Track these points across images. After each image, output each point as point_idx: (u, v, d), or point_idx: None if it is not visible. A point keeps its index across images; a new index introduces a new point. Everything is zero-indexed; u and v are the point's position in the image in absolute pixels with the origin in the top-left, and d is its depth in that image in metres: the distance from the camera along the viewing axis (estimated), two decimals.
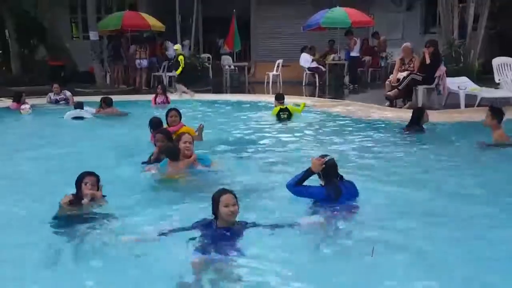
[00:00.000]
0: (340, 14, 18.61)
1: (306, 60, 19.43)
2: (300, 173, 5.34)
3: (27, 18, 20.64)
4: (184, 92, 15.95)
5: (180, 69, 16.30)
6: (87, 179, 5.21)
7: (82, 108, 12.19)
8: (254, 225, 4.65)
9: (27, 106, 12.90)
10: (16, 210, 5.48)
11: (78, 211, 5.05)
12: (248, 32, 24.20)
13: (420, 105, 12.13)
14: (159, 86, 14.12)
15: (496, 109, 8.34)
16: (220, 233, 4.43)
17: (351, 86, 18.38)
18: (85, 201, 5.10)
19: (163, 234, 4.53)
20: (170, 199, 5.72)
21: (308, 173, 5.28)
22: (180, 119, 8.55)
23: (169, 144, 6.52)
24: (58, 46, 21.58)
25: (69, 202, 5.12)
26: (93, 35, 18.99)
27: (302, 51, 19.80)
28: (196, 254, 4.18)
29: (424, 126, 9.46)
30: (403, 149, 8.39)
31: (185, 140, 6.43)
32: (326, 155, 5.39)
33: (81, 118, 11.76)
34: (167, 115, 8.48)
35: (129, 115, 12.37)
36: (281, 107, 11.60)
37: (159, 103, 13.59)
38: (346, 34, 19.06)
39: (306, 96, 16.64)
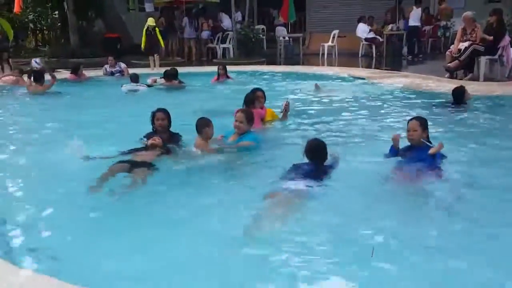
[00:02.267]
0: None
1: (363, 30, 18.96)
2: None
3: None
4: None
5: (162, 41, 16.46)
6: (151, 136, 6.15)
7: (137, 80, 12.33)
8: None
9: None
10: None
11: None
12: (303, 3, 23.81)
13: (482, 77, 11.68)
14: (221, 66, 13.39)
15: None
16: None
17: (410, 56, 17.85)
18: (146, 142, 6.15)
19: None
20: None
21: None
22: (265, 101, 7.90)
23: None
24: (115, 18, 21.88)
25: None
26: (148, 7, 19.14)
27: (359, 21, 19.30)
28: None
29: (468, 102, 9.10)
30: (460, 123, 8.08)
31: (236, 119, 6.31)
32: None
33: (136, 90, 11.96)
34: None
35: (187, 88, 12.48)
36: None
37: (220, 81, 13.12)
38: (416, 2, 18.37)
39: (362, 67, 16.25)
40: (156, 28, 16.34)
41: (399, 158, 5.58)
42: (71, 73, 13.91)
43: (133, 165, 5.56)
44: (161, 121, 6.30)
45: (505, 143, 6.82)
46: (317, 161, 5.20)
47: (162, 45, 16.32)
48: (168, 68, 13.09)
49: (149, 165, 5.64)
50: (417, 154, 5.43)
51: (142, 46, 16.14)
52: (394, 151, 5.64)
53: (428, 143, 5.47)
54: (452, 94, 9.12)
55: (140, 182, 5.26)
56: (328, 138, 6.77)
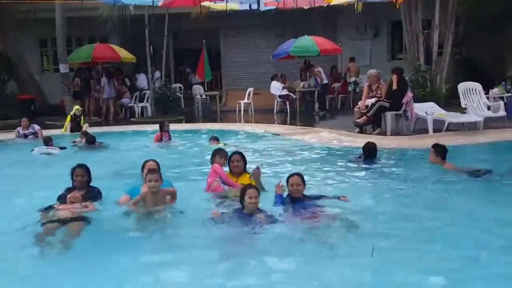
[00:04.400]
0: (308, 42, 18.98)
1: (276, 88, 19.66)
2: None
3: None
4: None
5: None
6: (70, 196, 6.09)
7: (51, 143, 12.03)
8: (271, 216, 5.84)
9: None
10: None
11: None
12: (218, 62, 24.48)
13: (389, 131, 12.37)
14: (166, 123, 12.95)
15: (438, 146, 8.57)
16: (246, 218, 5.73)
17: (321, 112, 18.71)
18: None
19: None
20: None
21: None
22: (245, 166, 7.35)
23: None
24: (28, 79, 21.44)
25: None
26: (63, 68, 18.88)
27: (272, 79, 20.06)
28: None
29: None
30: (369, 175, 8.59)
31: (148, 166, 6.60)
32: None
33: (49, 153, 11.60)
34: (229, 160, 7.34)
35: (108, 147, 12.40)
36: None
37: (164, 141, 12.69)
38: (306, 67, 19.54)
39: (277, 123, 16.82)
40: (82, 116, 15.89)
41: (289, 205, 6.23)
42: None
43: (63, 222, 5.62)
44: (80, 177, 6.38)
45: (412, 192, 7.42)
46: None
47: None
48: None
49: (81, 219, 5.74)
50: (303, 202, 6.28)
51: (63, 130, 15.36)
52: (281, 199, 6.29)
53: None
54: (363, 149, 9.49)
55: (75, 235, 5.39)
56: None
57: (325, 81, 19.56)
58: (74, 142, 12.68)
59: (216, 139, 12.02)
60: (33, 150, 11.68)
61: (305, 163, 9.74)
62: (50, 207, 6.06)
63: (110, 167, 9.66)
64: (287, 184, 6.34)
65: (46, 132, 14.44)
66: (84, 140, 12.51)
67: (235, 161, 7.27)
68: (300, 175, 6.43)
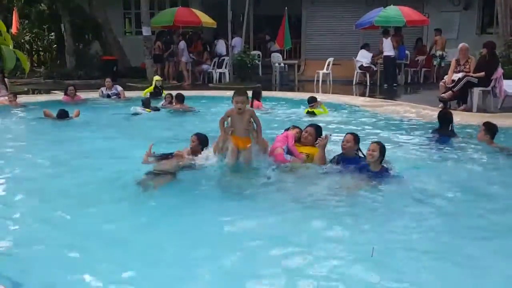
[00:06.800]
0: (394, 12, 18.32)
1: (364, 56, 19.04)
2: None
3: (82, 14, 21.34)
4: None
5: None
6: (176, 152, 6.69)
7: (149, 104, 12.53)
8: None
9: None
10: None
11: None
12: (299, 30, 24.13)
13: (475, 108, 11.81)
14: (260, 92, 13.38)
15: (489, 124, 8.19)
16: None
17: (385, 85, 18.17)
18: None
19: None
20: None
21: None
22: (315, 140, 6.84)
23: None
24: (111, 41, 22.01)
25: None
26: (145, 31, 19.21)
27: (362, 47, 19.44)
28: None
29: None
30: (446, 150, 8.19)
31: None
32: None
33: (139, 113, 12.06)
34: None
35: (196, 112, 12.54)
36: (309, 110, 11.96)
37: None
38: (383, 33, 18.73)
39: (356, 95, 16.41)
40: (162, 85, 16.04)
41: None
42: (64, 94, 14.01)
43: (156, 175, 6.19)
44: (193, 143, 6.91)
45: (487, 173, 6.95)
46: None
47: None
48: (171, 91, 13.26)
49: (171, 174, 6.25)
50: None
51: (143, 94, 15.13)
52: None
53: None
54: (438, 117, 9.21)
55: (152, 187, 5.85)
56: None
57: (387, 53, 18.43)
58: (166, 102, 12.98)
59: (313, 100, 12.25)
60: (132, 108, 12.23)
61: (380, 135, 9.45)
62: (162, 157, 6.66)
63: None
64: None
65: (127, 94, 14.89)
66: (175, 103, 12.75)
67: (308, 133, 6.99)
68: (353, 134, 6.64)
